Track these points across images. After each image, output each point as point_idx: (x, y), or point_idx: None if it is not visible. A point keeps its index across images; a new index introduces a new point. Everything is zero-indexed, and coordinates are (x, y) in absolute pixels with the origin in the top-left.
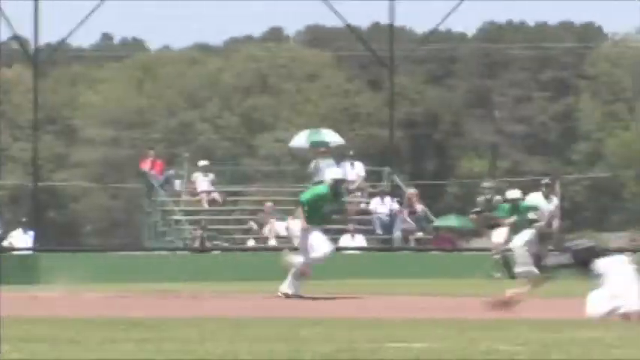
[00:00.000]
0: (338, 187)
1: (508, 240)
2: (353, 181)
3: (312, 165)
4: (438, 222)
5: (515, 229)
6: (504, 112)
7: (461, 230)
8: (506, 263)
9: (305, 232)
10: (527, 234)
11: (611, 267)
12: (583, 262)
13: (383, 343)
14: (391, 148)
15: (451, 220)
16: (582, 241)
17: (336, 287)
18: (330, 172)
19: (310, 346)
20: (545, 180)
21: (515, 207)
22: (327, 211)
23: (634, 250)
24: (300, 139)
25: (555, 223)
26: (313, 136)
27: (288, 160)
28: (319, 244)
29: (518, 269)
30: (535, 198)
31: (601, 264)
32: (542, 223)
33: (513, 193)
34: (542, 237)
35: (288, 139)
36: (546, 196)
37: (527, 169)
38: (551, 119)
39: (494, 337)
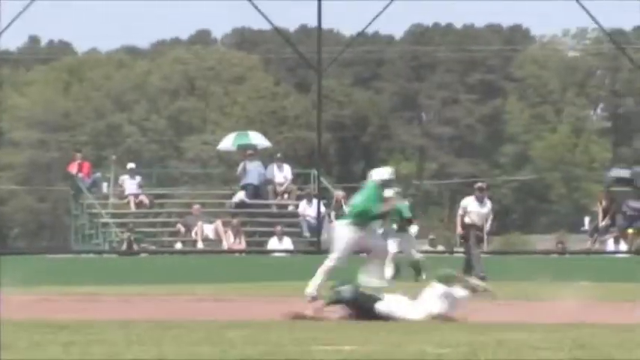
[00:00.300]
0: (385, 188)
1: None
2: (280, 184)
3: (240, 167)
4: None
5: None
6: (432, 114)
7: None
8: (413, 263)
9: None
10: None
11: (397, 305)
12: (365, 307)
13: (311, 345)
14: (319, 151)
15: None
16: (365, 288)
17: (264, 290)
18: (376, 172)
19: (238, 349)
20: (479, 183)
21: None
22: (375, 214)
23: (560, 253)
24: (228, 142)
25: (488, 227)
26: (240, 139)
27: (216, 163)
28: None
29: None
30: (468, 201)
31: (384, 305)
32: (415, 225)
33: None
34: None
35: (215, 141)
36: (479, 200)
37: (454, 172)
38: (478, 122)
39: (422, 340)
